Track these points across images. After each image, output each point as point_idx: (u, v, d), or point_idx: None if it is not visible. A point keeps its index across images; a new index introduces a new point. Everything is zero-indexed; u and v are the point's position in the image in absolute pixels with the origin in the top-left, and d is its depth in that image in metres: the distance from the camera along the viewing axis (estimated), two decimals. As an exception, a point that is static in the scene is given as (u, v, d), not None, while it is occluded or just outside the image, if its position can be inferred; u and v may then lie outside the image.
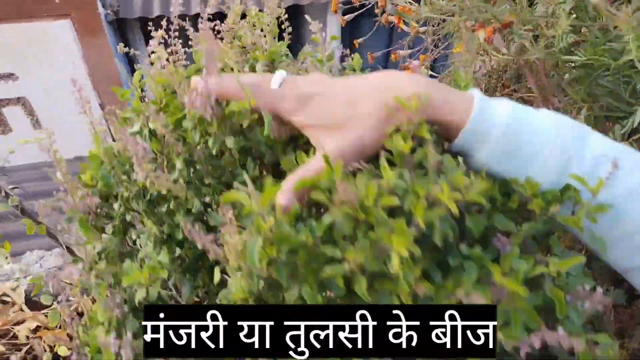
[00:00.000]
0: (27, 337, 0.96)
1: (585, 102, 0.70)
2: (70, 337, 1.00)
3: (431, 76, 0.98)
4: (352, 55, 0.57)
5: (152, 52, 0.50)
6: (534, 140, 0.39)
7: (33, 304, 1.05)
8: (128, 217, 0.52)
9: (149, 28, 0.50)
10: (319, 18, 2.97)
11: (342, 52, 0.59)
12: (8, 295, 1.08)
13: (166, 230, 0.48)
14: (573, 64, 0.67)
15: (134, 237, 0.51)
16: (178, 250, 0.49)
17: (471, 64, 0.78)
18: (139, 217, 0.52)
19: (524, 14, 0.65)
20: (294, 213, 0.36)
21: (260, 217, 0.34)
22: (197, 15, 0.51)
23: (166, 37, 0.50)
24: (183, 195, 0.45)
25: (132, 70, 2.64)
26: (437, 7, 0.72)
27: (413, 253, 0.31)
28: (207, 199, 0.48)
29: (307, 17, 0.57)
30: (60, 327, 0.95)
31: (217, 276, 0.41)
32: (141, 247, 0.50)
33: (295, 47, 0.58)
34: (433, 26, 0.90)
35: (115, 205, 0.52)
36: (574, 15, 0.63)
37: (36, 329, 1.01)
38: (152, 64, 0.50)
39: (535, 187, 0.39)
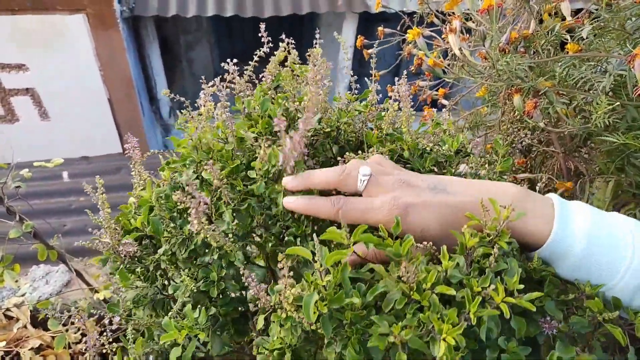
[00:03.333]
0: (30, 359, 0.95)
1: (613, 174, 0.69)
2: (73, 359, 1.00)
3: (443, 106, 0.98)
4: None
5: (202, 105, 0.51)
6: (610, 261, 0.39)
7: (36, 319, 1.04)
8: (163, 265, 0.52)
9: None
10: (334, 24, 2.94)
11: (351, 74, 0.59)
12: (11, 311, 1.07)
13: (202, 287, 0.48)
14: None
15: (170, 291, 0.50)
16: (212, 309, 0.49)
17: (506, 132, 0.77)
18: (174, 267, 0.52)
19: (562, 83, 0.64)
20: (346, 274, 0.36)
21: (318, 274, 0.35)
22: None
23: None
24: (230, 248, 0.45)
25: (144, 68, 2.61)
26: (472, 69, 0.71)
27: (457, 342, 0.33)
28: (251, 252, 0.49)
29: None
30: (64, 348, 0.94)
31: (260, 324, 0.41)
32: (175, 299, 0.49)
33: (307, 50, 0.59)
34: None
35: (154, 253, 0.52)
36: (612, 93, 0.62)
37: (39, 348, 1.00)
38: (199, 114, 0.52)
39: (596, 289, 0.39)
